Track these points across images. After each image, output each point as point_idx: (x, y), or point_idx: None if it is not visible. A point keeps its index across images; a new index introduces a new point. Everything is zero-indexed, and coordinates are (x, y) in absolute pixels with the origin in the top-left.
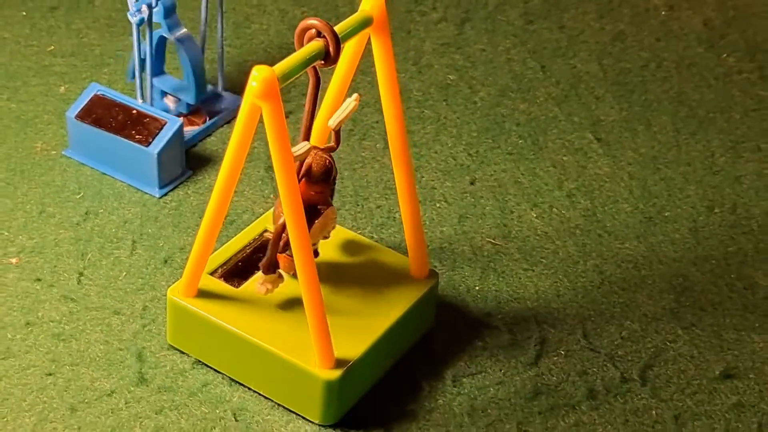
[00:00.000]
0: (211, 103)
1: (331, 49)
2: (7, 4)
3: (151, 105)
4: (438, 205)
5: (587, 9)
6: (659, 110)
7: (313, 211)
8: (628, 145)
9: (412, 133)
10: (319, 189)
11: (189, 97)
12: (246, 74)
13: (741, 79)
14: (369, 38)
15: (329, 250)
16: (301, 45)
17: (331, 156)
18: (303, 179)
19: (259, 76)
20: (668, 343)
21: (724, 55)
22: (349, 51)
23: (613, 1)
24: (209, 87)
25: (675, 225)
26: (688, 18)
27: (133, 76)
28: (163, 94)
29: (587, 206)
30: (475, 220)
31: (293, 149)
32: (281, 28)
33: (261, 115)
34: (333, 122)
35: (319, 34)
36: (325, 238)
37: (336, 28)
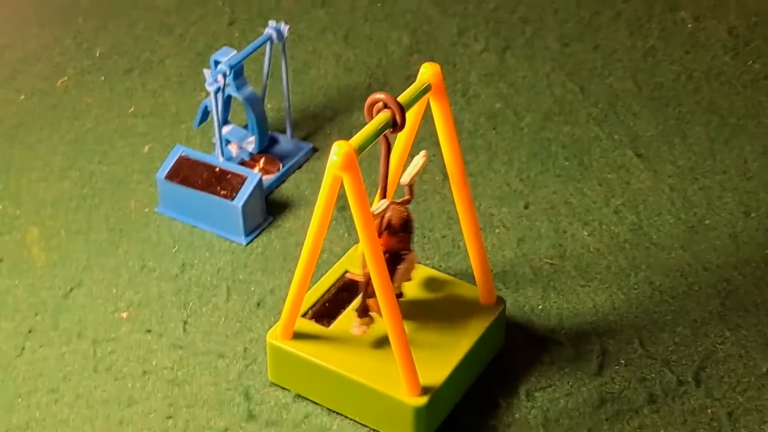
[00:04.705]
0: (282, 152)
1: (397, 118)
2: (86, 71)
3: (222, 154)
4: (497, 230)
5: (618, 27)
6: (693, 121)
7: (396, 257)
8: (666, 158)
9: (468, 163)
10: (399, 238)
11: (253, 147)
12: (310, 119)
13: (767, 84)
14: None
15: (406, 287)
16: (371, 116)
17: (407, 208)
18: (385, 231)
19: (339, 151)
20: (717, 345)
21: (750, 61)
22: (412, 115)
23: (642, 18)
24: (280, 136)
25: (716, 232)
26: (713, 27)
27: (199, 123)
28: (227, 141)
29: (633, 220)
30: (533, 242)
31: (373, 208)
32: (338, 72)
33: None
34: (406, 178)
35: (385, 106)
36: (408, 280)
37: (400, 98)
